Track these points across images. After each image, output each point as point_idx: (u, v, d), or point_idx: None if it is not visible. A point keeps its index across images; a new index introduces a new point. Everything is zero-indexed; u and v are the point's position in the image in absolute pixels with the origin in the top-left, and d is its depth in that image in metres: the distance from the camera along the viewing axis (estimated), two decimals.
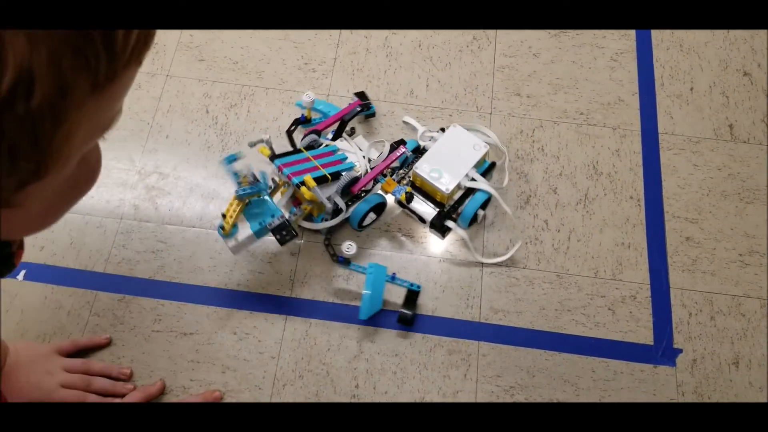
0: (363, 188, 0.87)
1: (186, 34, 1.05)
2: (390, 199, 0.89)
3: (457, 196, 0.89)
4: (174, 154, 0.95)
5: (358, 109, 0.91)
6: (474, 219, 0.88)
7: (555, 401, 0.81)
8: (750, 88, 1.05)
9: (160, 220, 0.90)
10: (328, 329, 0.84)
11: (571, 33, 1.08)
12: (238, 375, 0.81)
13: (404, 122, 0.97)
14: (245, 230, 0.78)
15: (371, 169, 0.88)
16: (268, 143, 0.83)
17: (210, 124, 0.98)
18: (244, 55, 1.04)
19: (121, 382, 0.78)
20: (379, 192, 0.88)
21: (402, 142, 0.90)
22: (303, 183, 0.78)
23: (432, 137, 0.91)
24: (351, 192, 0.85)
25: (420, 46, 1.06)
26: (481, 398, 0.82)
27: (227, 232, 0.77)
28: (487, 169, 0.91)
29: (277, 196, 0.84)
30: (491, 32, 1.08)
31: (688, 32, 1.10)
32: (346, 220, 0.87)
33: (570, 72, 1.05)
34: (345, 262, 0.83)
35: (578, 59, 1.06)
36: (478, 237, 0.91)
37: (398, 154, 0.87)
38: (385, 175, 0.89)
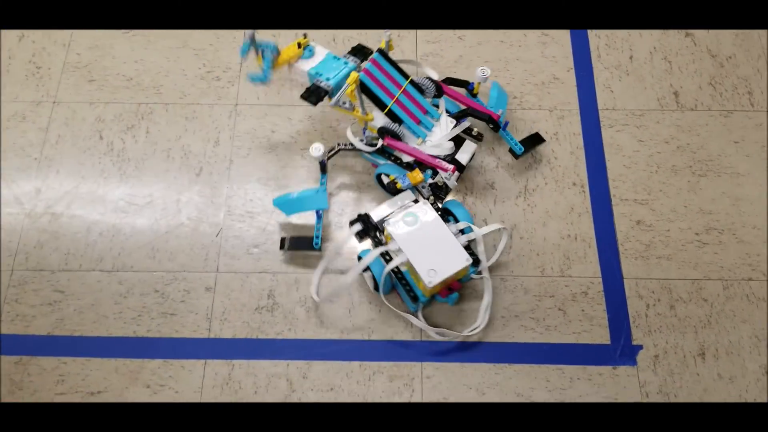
0: (395, 152, 0.83)
1: (73, 52, 0.95)
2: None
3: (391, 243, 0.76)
4: (66, 189, 0.85)
5: (486, 117, 0.83)
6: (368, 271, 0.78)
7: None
8: (693, 49, 0.98)
9: (55, 266, 0.81)
10: (253, 369, 0.76)
11: None
12: None
13: (501, 228, 0.81)
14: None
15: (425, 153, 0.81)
16: (388, 39, 0.81)
17: (105, 152, 0.88)
18: (139, 70, 0.94)
19: None
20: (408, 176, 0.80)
21: (460, 167, 0.80)
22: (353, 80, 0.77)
23: (470, 236, 0.78)
24: (385, 141, 0.81)
25: (334, 40, 0.97)
26: None
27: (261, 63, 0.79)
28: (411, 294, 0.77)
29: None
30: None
31: None
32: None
33: (499, 53, 0.96)
34: (323, 168, 0.83)
35: (507, 38, 0.97)
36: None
37: (443, 165, 0.77)
38: (435, 173, 0.81)
